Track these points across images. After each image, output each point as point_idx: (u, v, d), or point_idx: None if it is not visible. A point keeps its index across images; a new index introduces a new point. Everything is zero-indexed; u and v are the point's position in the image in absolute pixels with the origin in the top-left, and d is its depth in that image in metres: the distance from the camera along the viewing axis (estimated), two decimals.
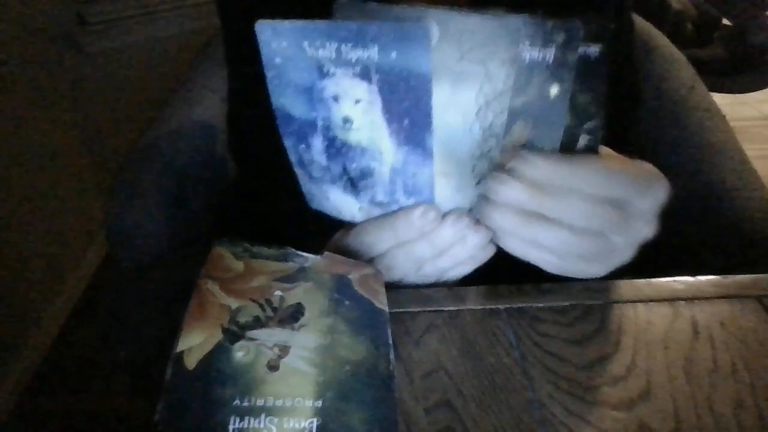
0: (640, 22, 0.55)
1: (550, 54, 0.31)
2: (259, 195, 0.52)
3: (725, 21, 1.75)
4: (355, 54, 0.31)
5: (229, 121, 0.52)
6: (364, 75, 0.32)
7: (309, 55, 0.32)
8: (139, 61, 1.78)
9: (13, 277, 1.43)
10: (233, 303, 0.30)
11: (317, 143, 0.36)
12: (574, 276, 0.35)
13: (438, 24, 0.31)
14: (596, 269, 0.35)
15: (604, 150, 0.35)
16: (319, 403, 0.26)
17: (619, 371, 0.32)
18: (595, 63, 0.32)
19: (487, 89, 0.32)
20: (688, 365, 0.32)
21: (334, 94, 0.33)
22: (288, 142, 0.37)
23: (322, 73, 0.33)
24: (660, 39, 0.53)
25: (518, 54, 0.31)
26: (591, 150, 0.34)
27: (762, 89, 1.72)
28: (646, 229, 0.35)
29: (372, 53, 0.31)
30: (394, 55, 0.30)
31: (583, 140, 0.34)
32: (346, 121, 0.34)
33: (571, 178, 0.32)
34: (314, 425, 0.25)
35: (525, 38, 0.31)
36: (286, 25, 0.32)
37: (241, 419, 0.25)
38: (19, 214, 1.46)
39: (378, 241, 0.37)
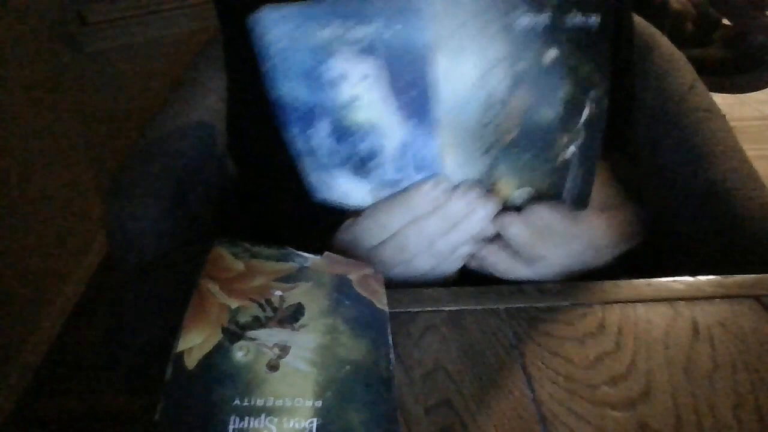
0: (640, 22, 0.55)
1: (546, 19, 0.32)
2: (260, 195, 0.51)
3: (725, 21, 1.75)
4: (359, 30, 0.32)
5: (228, 121, 0.51)
6: (370, 50, 0.32)
7: (314, 36, 0.32)
8: (139, 61, 1.78)
9: (13, 278, 1.43)
10: (233, 303, 0.30)
11: (324, 126, 0.36)
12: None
13: None
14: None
15: (595, 202, 0.38)
16: (319, 403, 0.26)
17: (619, 371, 0.32)
18: (595, 32, 0.32)
19: (487, 57, 0.33)
20: (688, 365, 0.32)
21: (341, 72, 0.33)
22: (293, 130, 0.36)
23: (328, 53, 0.33)
24: (660, 39, 0.53)
25: (514, 20, 0.32)
26: (597, 119, 0.35)
27: (762, 89, 1.72)
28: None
29: (376, 28, 0.32)
30: (397, 28, 0.31)
31: (588, 109, 0.35)
32: (354, 99, 0.34)
33: (561, 238, 0.38)
34: (314, 425, 0.25)
35: (520, 4, 0.31)
36: (292, 7, 0.32)
37: (241, 419, 0.25)
38: (19, 215, 1.46)
39: (390, 219, 0.37)
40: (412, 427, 0.29)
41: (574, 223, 0.38)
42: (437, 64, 0.32)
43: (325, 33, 0.32)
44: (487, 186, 0.37)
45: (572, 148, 0.36)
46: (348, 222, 0.40)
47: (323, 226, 0.39)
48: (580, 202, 0.37)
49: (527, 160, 0.36)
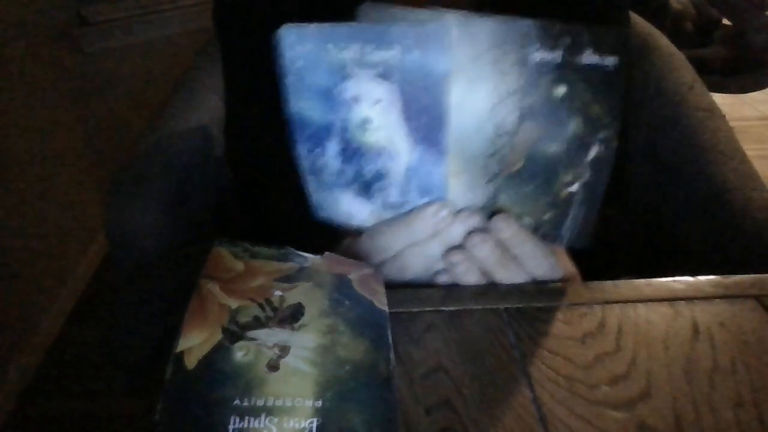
0: (640, 22, 0.55)
1: (558, 56, 0.33)
2: (257, 205, 0.51)
3: (725, 21, 1.75)
4: (377, 55, 0.33)
5: (226, 134, 0.51)
6: (386, 75, 0.33)
7: (332, 57, 0.34)
8: (139, 61, 1.78)
9: (13, 277, 1.43)
10: (233, 303, 0.30)
11: (333, 146, 0.37)
12: None
13: (456, 26, 0.32)
14: None
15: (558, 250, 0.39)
16: (319, 403, 0.26)
17: (619, 371, 0.32)
18: (611, 74, 0.33)
19: (499, 89, 0.34)
20: (688, 365, 0.32)
21: (355, 94, 0.34)
22: (302, 149, 0.37)
23: (344, 75, 0.34)
24: (660, 39, 0.53)
25: (527, 55, 0.33)
26: (605, 159, 0.35)
27: (762, 89, 1.72)
28: None
29: (395, 54, 0.33)
30: (415, 55, 0.32)
31: (594, 149, 0.35)
32: (366, 121, 0.35)
33: (530, 255, 0.37)
34: (314, 425, 0.25)
35: (534, 40, 0.33)
36: (312, 28, 0.33)
37: (241, 419, 0.25)
38: (19, 214, 1.46)
39: (392, 241, 0.38)
40: (412, 427, 0.29)
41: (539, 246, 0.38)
42: (450, 93, 0.33)
43: (344, 55, 0.33)
44: (488, 214, 0.37)
45: (576, 186, 0.36)
46: (348, 241, 0.40)
47: (321, 242, 0.39)
48: (578, 240, 0.38)
49: (529, 192, 0.37)
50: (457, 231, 0.37)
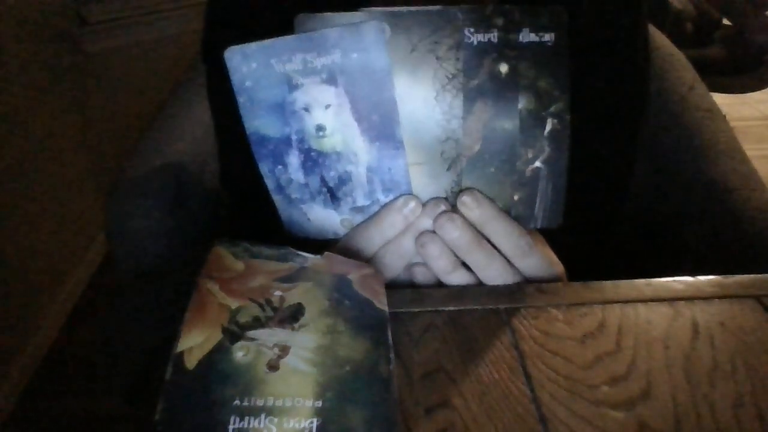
0: None
1: (494, 36, 0.34)
2: (250, 223, 0.51)
3: (725, 21, 1.75)
4: (320, 62, 0.34)
5: (220, 153, 0.52)
6: (331, 80, 0.35)
7: (278, 71, 0.35)
8: (139, 60, 1.78)
9: (13, 277, 1.43)
10: (233, 303, 0.30)
11: (293, 160, 0.37)
12: None
13: (388, 21, 0.34)
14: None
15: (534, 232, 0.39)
16: (319, 403, 0.26)
17: (619, 371, 0.32)
18: (551, 50, 0.35)
19: (440, 74, 0.35)
20: (688, 365, 0.32)
21: (305, 104, 0.35)
22: (264, 167, 0.38)
23: (292, 86, 0.35)
24: (660, 39, 0.53)
25: (462, 39, 0.34)
26: (561, 133, 0.37)
27: (762, 89, 1.72)
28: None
29: (335, 58, 0.34)
30: (354, 56, 0.34)
31: (549, 123, 0.36)
32: (320, 129, 0.36)
33: (503, 233, 0.37)
34: (314, 425, 0.25)
35: (468, 24, 0.34)
36: (254, 46, 0.34)
37: (241, 419, 0.25)
38: (19, 214, 1.46)
39: (365, 244, 0.38)
40: (412, 427, 0.29)
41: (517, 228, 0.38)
42: (394, 87, 0.34)
43: (288, 67, 0.35)
44: (453, 201, 0.38)
45: (538, 163, 0.37)
46: (326, 253, 0.40)
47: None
48: (552, 218, 0.39)
49: (492, 174, 0.37)
50: (426, 222, 0.37)
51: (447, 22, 0.34)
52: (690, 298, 0.37)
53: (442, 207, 0.37)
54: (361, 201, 0.38)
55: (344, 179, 0.37)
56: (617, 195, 0.50)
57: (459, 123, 0.36)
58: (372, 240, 0.38)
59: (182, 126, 0.52)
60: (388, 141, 0.36)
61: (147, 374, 0.41)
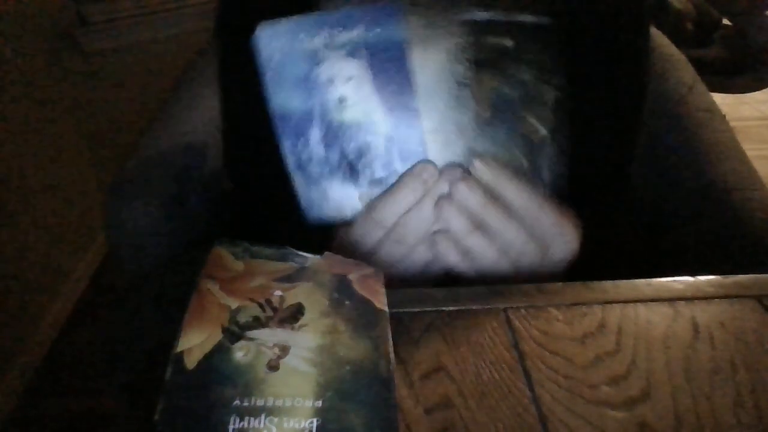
0: None
1: (500, 15, 0.38)
2: (255, 212, 0.51)
3: (725, 21, 1.75)
4: (344, 37, 0.37)
5: (224, 141, 0.51)
6: (354, 53, 0.37)
7: (305, 46, 0.37)
8: (139, 60, 1.78)
9: (13, 277, 1.43)
10: (233, 303, 0.30)
11: (315, 133, 0.39)
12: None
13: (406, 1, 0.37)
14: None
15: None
16: (319, 403, 0.26)
17: (619, 371, 0.32)
18: (549, 31, 0.38)
19: (451, 47, 0.38)
20: (688, 365, 0.32)
21: (329, 76, 0.37)
22: (287, 144, 0.39)
23: (317, 60, 0.37)
24: (660, 39, 0.53)
25: (472, 16, 0.38)
26: (562, 104, 0.39)
27: (762, 89, 1.72)
28: (547, 273, 0.41)
29: (358, 33, 0.37)
30: (376, 32, 0.37)
31: (552, 93, 0.39)
32: (342, 100, 0.38)
33: (516, 195, 0.38)
34: (314, 425, 0.25)
35: (477, 3, 0.37)
36: (284, 22, 0.37)
37: (241, 419, 0.25)
38: (19, 214, 1.46)
39: (384, 215, 0.39)
40: (412, 427, 0.29)
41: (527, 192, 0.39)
42: (411, 59, 0.37)
43: (315, 42, 0.37)
44: (467, 168, 0.39)
45: (543, 131, 0.39)
46: (343, 230, 0.40)
47: (316, 243, 0.40)
48: (559, 185, 0.40)
49: (502, 139, 0.39)
50: (443, 186, 0.38)
51: (451, 1, 0.37)
52: (690, 298, 0.37)
53: (458, 172, 0.38)
54: (380, 172, 0.39)
55: (363, 150, 0.39)
56: (618, 179, 0.50)
57: (469, 90, 0.38)
58: (390, 210, 0.38)
59: (190, 110, 0.52)
60: (405, 110, 0.38)
61: (147, 373, 0.41)
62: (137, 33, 1.74)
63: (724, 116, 0.52)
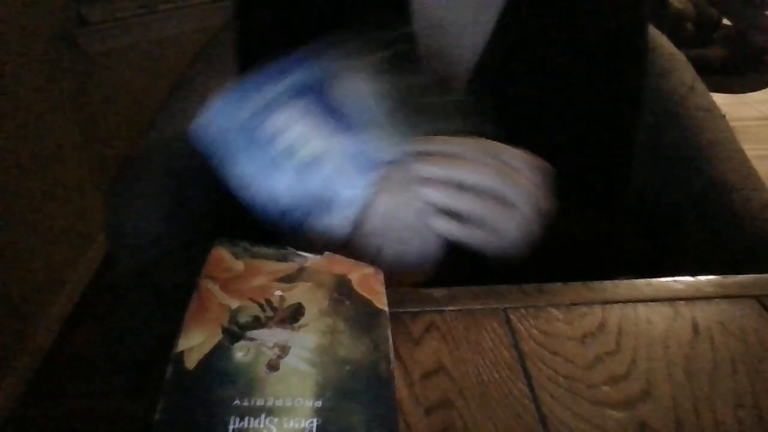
0: None
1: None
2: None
3: (725, 21, 1.75)
4: (284, 83, 0.40)
5: None
6: (296, 95, 0.40)
7: (250, 105, 0.40)
8: (140, 61, 1.78)
9: (13, 277, 1.43)
10: (233, 303, 0.30)
11: (284, 181, 0.40)
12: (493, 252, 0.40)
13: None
14: (503, 239, 0.40)
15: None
16: (319, 403, 0.26)
17: (620, 371, 0.32)
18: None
19: (366, 68, 0.42)
20: (688, 365, 0.32)
21: (280, 125, 0.40)
22: (270, 218, 0.41)
23: (266, 114, 0.40)
24: (660, 39, 0.53)
25: (378, 57, 0.42)
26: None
27: (762, 89, 1.72)
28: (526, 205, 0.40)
29: (297, 77, 0.40)
30: (312, 70, 0.41)
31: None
32: (296, 141, 0.40)
33: (465, 148, 0.39)
34: (314, 425, 0.25)
35: (365, 53, 0.42)
36: (227, 94, 0.40)
37: (241, 419, 0.25)
38: (19, 214, 1.46)
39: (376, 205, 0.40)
40: (412, 427, 0.29)
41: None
42: (341, 87, 0.41)
43: (260, 99, 0.39)
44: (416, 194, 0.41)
45: (457, 95, 0.45)
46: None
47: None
48: (491, 130, 0.41)
49: (429, 120, 0.42)
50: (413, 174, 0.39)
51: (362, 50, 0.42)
52: (690, 298, 0.37)
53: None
54: (354, 189, 0.41)
55: (328, 181, 0.41)
56: (618, 179, 0.50)
57: (388, 97, 0.42)
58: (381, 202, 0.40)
59: (189, 112, 0.52)
60: (348, 128, 0.41)
61: (147, 373, 0.41)
62: (137, 33, 1.74)
63: (724, 116, 0.52)
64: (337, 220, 0.41)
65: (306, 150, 0.41)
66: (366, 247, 0.40)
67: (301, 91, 0.41)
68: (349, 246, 0.41)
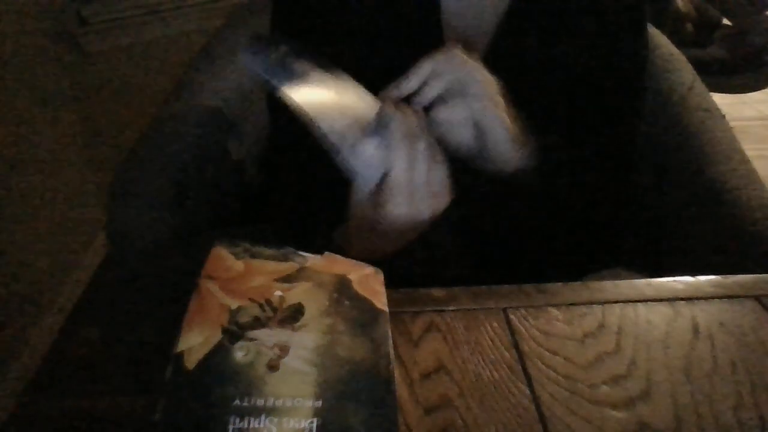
0: None
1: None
2: (288, 204, 0.51)
3: (725, 21, 1.75)
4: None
5: (271, 144, 0.51)
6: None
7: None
8: (139, 61, 1.78)
9: (14, 277, 1.43)
10: (233, 303, 0.30)
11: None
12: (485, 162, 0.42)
13: None
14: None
15: None
16: (319, 403, 0.26)
17: (620, 371, 0.32)
18: None
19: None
20: (688, 365, 0.32)
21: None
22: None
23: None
24: (660, 39, 0.53)
25: None
26: None
27: (762, 89, 1.72)
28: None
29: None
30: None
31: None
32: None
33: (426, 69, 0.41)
34: (314, 425, 0.25)
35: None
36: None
37: (241, 419, 0.25)
38: (19, 214, 1.46)
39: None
40: (412, 427, 0.29)
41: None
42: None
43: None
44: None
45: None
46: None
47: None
48: None
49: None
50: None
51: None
52: (690, 298, 0.37)
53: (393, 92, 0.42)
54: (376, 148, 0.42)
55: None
56: (618, 179, 0.50)
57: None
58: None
59: (225, 69, 0.53)
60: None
61: (147, 372, 0.41)
62: (137, 33, 1.74)
63: (724, 116, 0.52)
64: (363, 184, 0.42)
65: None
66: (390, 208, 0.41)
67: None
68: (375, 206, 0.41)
